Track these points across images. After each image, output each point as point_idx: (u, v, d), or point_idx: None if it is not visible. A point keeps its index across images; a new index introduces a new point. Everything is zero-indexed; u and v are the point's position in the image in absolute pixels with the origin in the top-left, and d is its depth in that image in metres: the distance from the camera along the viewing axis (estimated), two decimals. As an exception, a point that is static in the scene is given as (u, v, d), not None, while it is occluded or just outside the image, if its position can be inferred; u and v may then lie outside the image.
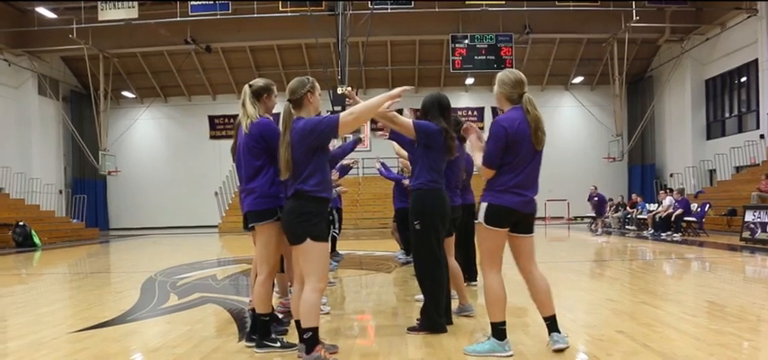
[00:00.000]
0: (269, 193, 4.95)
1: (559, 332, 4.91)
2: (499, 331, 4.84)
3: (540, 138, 4.78)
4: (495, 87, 4.96)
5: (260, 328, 5.13)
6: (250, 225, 5.09)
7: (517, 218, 4.91)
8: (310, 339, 4.53)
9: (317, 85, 4.91)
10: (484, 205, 4.83)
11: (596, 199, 25.12)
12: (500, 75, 4.97)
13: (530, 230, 5.09)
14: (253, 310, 5.30)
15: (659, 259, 13.33)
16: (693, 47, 28.69)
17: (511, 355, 4.80)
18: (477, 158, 4.91)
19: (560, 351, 4.82)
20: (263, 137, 4.94)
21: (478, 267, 8.41)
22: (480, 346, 4.89)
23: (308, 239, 4.51)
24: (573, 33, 29.54)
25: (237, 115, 5.17)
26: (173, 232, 30.55)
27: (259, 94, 5.13)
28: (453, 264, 6.39)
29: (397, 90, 4.81)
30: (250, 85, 5.14)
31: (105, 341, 5.73)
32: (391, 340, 5.38)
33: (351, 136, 8.51)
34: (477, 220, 4.91)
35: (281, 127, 4.67)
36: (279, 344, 5.07)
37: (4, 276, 12.97)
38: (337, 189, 10.17)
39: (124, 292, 9.15)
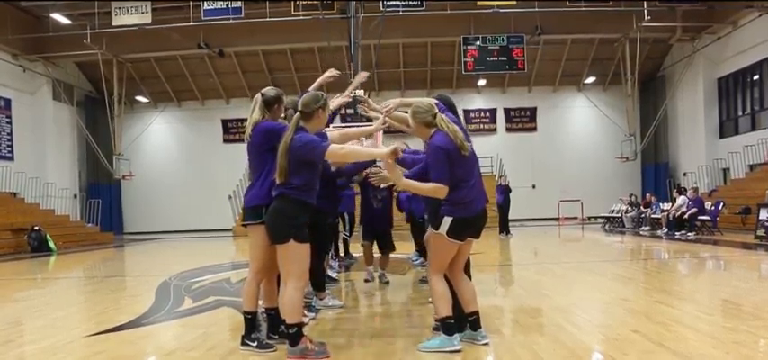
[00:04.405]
0: (259, 194, 5.09)
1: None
2: (448, 326, 5.01)
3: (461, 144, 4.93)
4: (412, 122, 5.14)
5: (244, 325, 5.27)
6: (244, 223, 5.28)
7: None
8: (295, 334, 4.80)
9: (328, 102, 5.14)
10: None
11: None
12: (411, 110, 5.15)
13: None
14: (267, 309, 5.42)
15: (674, 258, 13.28)
16: (705, 45, 28.48)
17: (460, 349, 4.95)
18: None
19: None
20: (266, 138, 5.09)
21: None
22: (431, 343, 5.08)
23: (292, 240, 4.75)
24: (584, 33, 29.38)
25: None
26: (187, 236, 30.67)
27: (270, 104, 5.21)
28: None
29: (388, 151, 4.83)
30: (262, 94, 5.23)
31: (120, 344, 5.76)
32: (406, 341, 5.40)
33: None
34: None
35: (287, 132, 4.80)
36: (256, 343, 5.19)
37: (19, 281, 13.08)
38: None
39: (139, 296, 9.20)
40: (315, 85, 6.25)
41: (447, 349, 4.90)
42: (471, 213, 4.96)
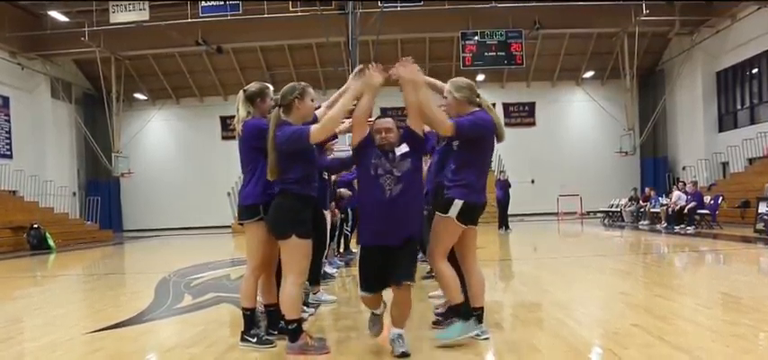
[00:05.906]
0: (254, 192, 5.07)
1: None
2: (463, 312, 5.01)
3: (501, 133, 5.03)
4: (456, 94, 5.05)
5: (244, 321, 5.26)
6: (240, 221, 5.28)
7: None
8: (295, 329, 4.80)
9: (308, 90, 5.01)
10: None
11: None
12: (452, 83, 5.11)
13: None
14: (266, 306, 5.42)
15: (673, 252, 13.28)
16: (704, 39, 28.49)
17: (486, 332, 5.03)
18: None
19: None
20: (253, 136, 5.06)
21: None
22: (451, 331, 5.01)
23: (294, 236, 4.75)
24: (583, 28, 29.38)
25: None
26: (186, 233, 30.66)
27: (253, 98, 5.20)
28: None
29: (361, 79, 4.99)
30: (244, 90, 5.23)
31: (120, 341, 5.77)
32: (405, 337, 5.37)
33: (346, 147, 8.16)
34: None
35: (269, 129, 4.81)
36: (256, 339, 5.18)
37: (19, 279, 13.07)
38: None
39: (139, 293, 9.20)
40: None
41: (470, 335, 4.92)
42: (480, 200, 4.98)
